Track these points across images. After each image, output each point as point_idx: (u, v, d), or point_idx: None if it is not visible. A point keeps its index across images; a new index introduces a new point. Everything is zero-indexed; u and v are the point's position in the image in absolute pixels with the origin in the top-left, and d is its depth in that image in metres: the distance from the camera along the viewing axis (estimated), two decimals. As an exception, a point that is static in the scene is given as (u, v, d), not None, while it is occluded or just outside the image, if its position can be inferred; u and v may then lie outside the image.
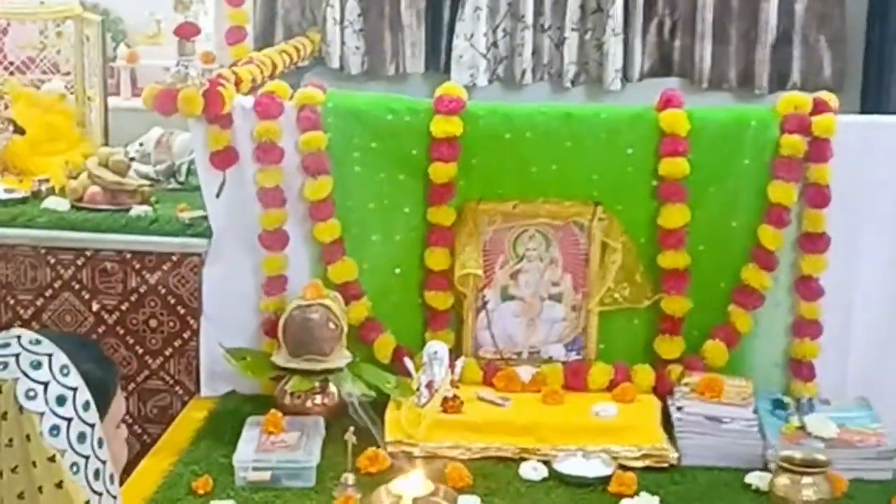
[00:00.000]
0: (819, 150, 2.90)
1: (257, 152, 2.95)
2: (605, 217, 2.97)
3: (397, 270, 3.05)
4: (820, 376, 2.99)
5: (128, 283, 3.09)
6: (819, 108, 2.91)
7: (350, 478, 2.50)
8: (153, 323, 3.10)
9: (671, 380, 2.95)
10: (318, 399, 2.84)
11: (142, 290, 3.09)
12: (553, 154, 2.97)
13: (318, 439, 2.67)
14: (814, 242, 2.94)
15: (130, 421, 3.16)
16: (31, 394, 1.49)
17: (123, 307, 3.10)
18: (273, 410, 2.74)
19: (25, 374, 1.50)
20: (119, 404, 1.66)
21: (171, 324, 3.10)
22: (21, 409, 1.48)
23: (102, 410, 1.58)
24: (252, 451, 2.60)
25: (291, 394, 2.84)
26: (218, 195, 2.99)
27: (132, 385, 3.15)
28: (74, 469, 1.50)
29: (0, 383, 1.49)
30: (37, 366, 1.51)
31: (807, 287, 2.96)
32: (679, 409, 2.80)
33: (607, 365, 2.99)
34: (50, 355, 1.53)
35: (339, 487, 2.50)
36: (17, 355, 1.52)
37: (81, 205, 3.22)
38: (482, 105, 3.03)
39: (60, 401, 1.51)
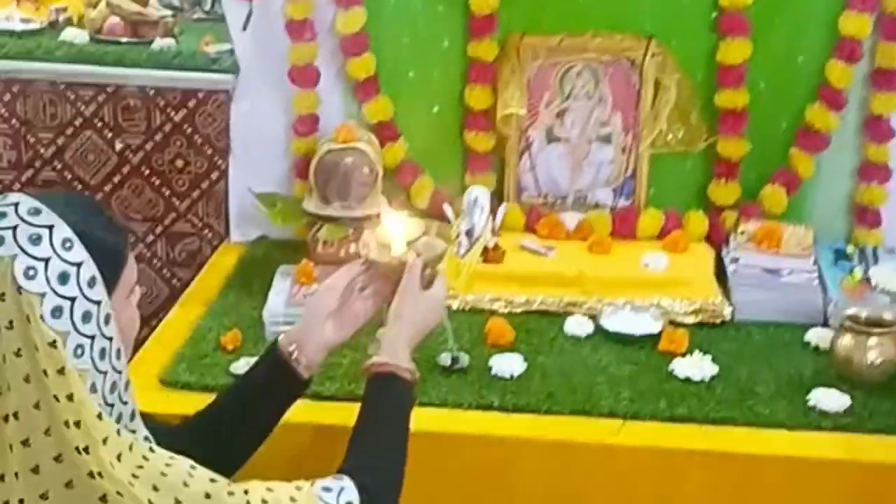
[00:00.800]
0: None
1: None
2: (659, 52, 2.78)
3: (435, 109, 2.89)
4: (886, 223, 2.83)
5: (152, 120, 2.95)
6: (898, -71, 2.67)
7: (385, 333, 2.37)
8: (179, 163, 2.97)
9: (726, 227, 2.80)
10: (352, 248, 2.71)
11: (166, 129, 2.95)
12: None
13: (352, 291, 2.53)
14: (888, 79, 2.74)
15: (159, 265, 3.07)
16: (31, 272, 1.38)
17: (148, 146, 2.97)
18: (305, 260, 2.61)
19: (24, 251, 1.39)
20: (131, 271, 1.55)
21: (199, 164, 2.98)
22: (20, 289, 1.37)
23: (112, 281, 1.48)
24: (282, 304, 2.48)
25: (324, 242, 2.71)
26: (244, 28, 2.82)
27: (159, 228, 3.04)
28: (79, 351, 1.41)
29: None
30: (36, 240, 1.40)
31: (877, 127, 2.78)
32: (734, 260, 2.65)
33: (658, 211, 2.84)
34: (51, 227, 1.41)
35: (373, 343, 2.36)
36: (14, 228, 1.40)
37: (101, 37, 3.06)
38: (528, -72, 2.80)
39: (63, 279, 1.40)
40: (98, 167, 2.98)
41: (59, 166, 2.99)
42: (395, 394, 1.82)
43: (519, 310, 2.57)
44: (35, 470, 1.38)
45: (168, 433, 1.65)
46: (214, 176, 2.98)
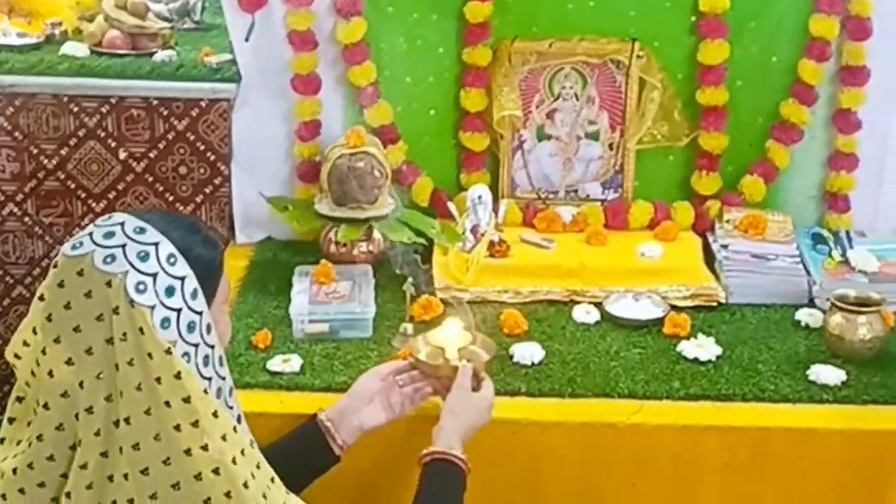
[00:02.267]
0: None
1: None
2: (643, 54, 2.95)
3: (432, 112, 3.02)
4: (854, 208, 3.03)
5: (155, 130, 3.01)
6: (862, -63, 2.86)
7: (409, 328, 2.51)
8: (183, 170, 3.04)
9: (709, 216, 2.98)
10: (364, 247, 2.84)
11: (170, 137, 3.01)
12: None
13: (370, 289, 2.66)
14: (854, 75, 2.94)
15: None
16: (141, 287, 1.49)
17: (151, 155, 3.03)
18: (323, 261, 2.72)
19: (133, 267, 1.50)
20: (225, 284, 1.67)
21: (202, 170, 3.04)
22: (132, 302, 1.48)
23: (210, 292, 1.59)
24: (306, 303, 2.59)
25: (337, 243, 2.82)
26: (247, 39, 2.92)
27: (164, 233, 3.11)
28: (186, 358, 1.51)
29: (110, 277, 1.49)
30: (144, 257, 1.51)
31: (845, 120, 2.97)
32: (724, 247, 2.83)
33: (647, 203, 3.01)
34: (157, 244, 1.52)
35: (398, 337, 2.51)
36: (123, 246, 1.51)
37: (101, 50, 3.11)
38: (519, -59, 2.94)
39: (169, 292, 1.51)
40: (102, 176, 3.03)
41: (62, 176, 3.04)
42: (450, 478, 1.95)
43: (527, 300, 2.71)
44: (144, 472, 1.48)
45: None
46: (217, 181, 3.04)
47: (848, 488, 2.29)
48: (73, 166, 3.05)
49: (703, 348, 2.49)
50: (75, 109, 3.01)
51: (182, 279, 1.52)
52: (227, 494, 1.49)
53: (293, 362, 2.42)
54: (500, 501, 2.29)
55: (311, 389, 2.35)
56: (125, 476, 1.49)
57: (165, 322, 1.50)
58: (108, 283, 1.49)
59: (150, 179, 3.06)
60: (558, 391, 2.36)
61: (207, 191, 3.06)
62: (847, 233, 2.95)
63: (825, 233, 2.95)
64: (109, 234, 1.52)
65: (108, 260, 1.50)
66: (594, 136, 3.02)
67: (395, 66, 2.97)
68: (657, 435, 2.29)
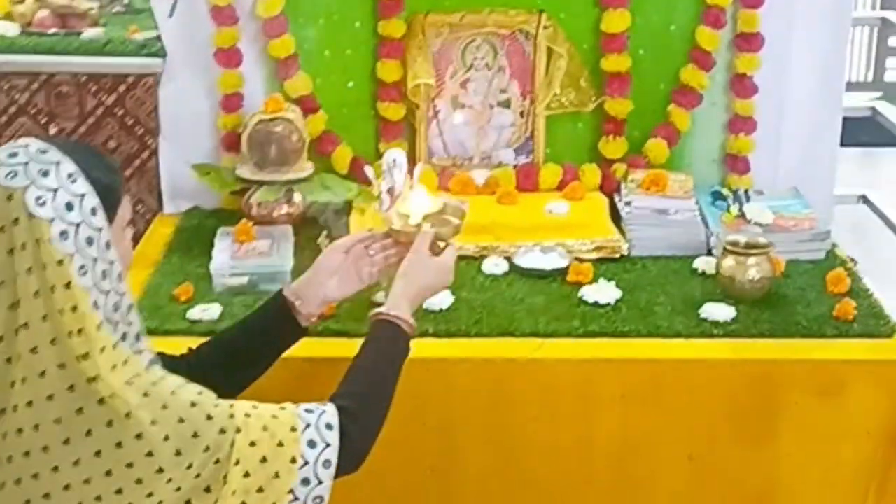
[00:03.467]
0: None
1: None
2: (550, 24, 3.07)
3: (350, 84, 3.13)
4: (754, 170, 3.17)
5: (84, 105, 3.13)
6: None
7: (381, 296, 2.59)
8: (111, 144, 3.15)
9: (616, 178, 3.11)
10: (284, 209, 2.95)
11: (98, 113, 3.13)
12: None
13: (289, 246, 2.77)
14: (748, 42, 3.07)
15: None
16: (41, 201, 1.56)
17: (81, 130, 3.14)
18: (243, 220, 2.84)
19: (34, 182, 1.57)
20: (125, 208, 1.74)
21: (130, 145, 3.16)
22: (31, 215, 1.56)
23: (110, 215, 1.66)
24: (228, 259, 2.70)
25: (258, 204, 2.93)
26: (171, 15, 3.00)
27: (94, 205, 3.21)
28: (83, 271, 1.58)
29: (11, 191, 1.56)
30: (45, 174, 1.58)
31: (742, 85, 3.11)
32: (627, 203, 2.96)
33: (556, 166, 3.14)
34: (57, 163, 1.60)
35: (371, 307, 2.60)
36: (25, 164, 1.58)
37: (31, 30, 3.22)
38: (428, -82, 3.07)
39: (69, 207, 1.58)
40: (33, 151, 3.13)
41: (-7, 152, 3.14)
42: (392, 340, 2.02)
43: (439, 255, 2.83)
44: (42, 374, 1.56)
45: (168, 364, 1.80)
46: (145, 155, 3.16)
47: (737, 415, 2.43)
48: (5, 142, 3.10)
49: (603, 292, 2.61)
50: (6, 87, 3.13)
51: (82, 196, 1.60)
52: (112, 396, 1.57)
53: (212, 311, 2.53)
54: (412, 435, 2.39)
55: (229, 334, 2.46)
56: (23, 380, 1.57)
57: (64, 234, 1.57)
58: (10, 197, 1.56)
59: (80, 154, 3.14)
60: (464, 332, 2.49)
61: (136, 164, 3.18)
62: (746, 191, 3.09)
63: (725, 191, 3.09)
64: (13, 154, 1.60)
65: (10, 175, 1.57)
66: (506, 104, 3.15)
67: (313, 40, 3.08)
68: (557, 369, 2.42)
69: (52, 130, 3.14)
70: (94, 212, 1.61)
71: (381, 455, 2.34)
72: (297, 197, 2.96)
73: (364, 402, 1.89)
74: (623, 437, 2.44)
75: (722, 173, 3.20)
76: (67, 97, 3.12)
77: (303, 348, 2.21)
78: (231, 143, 3.09)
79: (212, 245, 2.80)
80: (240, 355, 2.10)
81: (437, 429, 2.43)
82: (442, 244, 2.21)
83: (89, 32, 3.19)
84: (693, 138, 3.18)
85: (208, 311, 2.53)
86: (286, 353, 2.17)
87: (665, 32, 3.11)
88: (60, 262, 1.56)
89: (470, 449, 2.45)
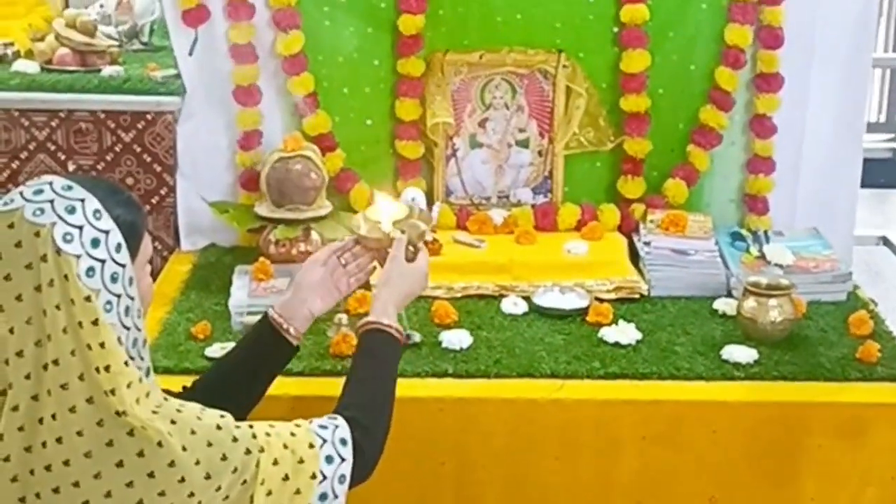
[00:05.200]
0: None
1: (228, 9, 3.02)
2: (569, 64, 3.08)
3: (368, 122, 3.14)
4: (773, 210, 3.16)
5: (103, 142, 3.11)
6: (772, -49, 3.02)
7: (343, 318, 2.60)
8: (129, 181, 3.13)
9: (635, 218, 3.11)
10: (302, 247, 2.94)
11: (117, 150, 3.12)
12: (517, 4, 3.08)
13: (307, 284, 2.76)
14: (768, 82, 3.08)
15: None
16: (68, 237, 1.57)
17: (99, 167, 3.13)
18: (261, 258, 2.83)
19: (61, 219, 1.57)
20: (147, 246, 1.74)
21: (148, 181, 3.14)
22: (59, 251, 1.56)
23: (133, 252, 1.66)
24: (245, 297, 2.70)
25: (276, 242, 2.93)
26: (191, 53, 3.04)
27: (111, 242, 3.20)
28: (108, 307, 1.59)
29: (38, 228, 1.57)
30: (71, 210, 1.59)
31: (761, 125, 3.12)
32: (647, 244, 2.95)
33: (574, 206, 3.13)
34: (83, 200, 1.60)
35: (332, 327, 2.61)
36: (51, 201, 1.59)
37: (51, 67, 3.22)
38: (448, -43, 3.08)
39: (95, 243, 1.59)
40: (51, 188, 3.13)
41: (12, 188, 3.13)
42: (385, 346, 2.04)
43: (458, 294, 2.82)
44: (72, 410, 1.56)
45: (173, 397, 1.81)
46: (163, 192, 3.14)
47: (759, 458, 2.40)
48: (24, 179, 3.13)
49: (623, 333, 2.60)
50: (26, 124, 3.11)
51: (107, 233, 1.60)
52: (143, 427, 1.58)
53: (230, 349, 2.50)
54: (429, 475, 2.39)
55: (247, 373, 2.45)
56: (53, 416, 1.57)
57: (90, 271, 1.57)
58: (37, 234, 1.57)
59: (98, 191, 3.14)
60: (484, 372, 2.48)
61: (154, 201, 3.16)
62: (765, 232, 3.08)
63: (744, 232, 3.08)
64: (38, 191, 1.61)
65: (38, 213, 1.58)
66: (524, 144, 3.16)
67: (332, 78, 3.10)
68: (577, 410, 2.40)
69: (71, 167, 3.13)
70: (118, 248, 1.61)
71: (400, 494, 2.36)
72: (315, 235, 2.95)
73: (371, 412, 1.92)
74: (643, 480, 2.42)
75: (741, 213, 3.19)
76: (86, 134, 3.11)
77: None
78: (249, 180, 3.09)
79: (229, 283, 2.81)
80: (237, 383, 2.10)
81: (455, 470, 2.42)
82: (412, 249, 2.21)
83: (109, 70, 3.18)
84: (712, 178, 3.18)
85: (227, 349, 2.50)
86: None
87: (684, 72, 3.12)
88: (88, 299, 1.57)
89: (489, 491, 2.43)
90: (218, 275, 2.92)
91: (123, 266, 1.62)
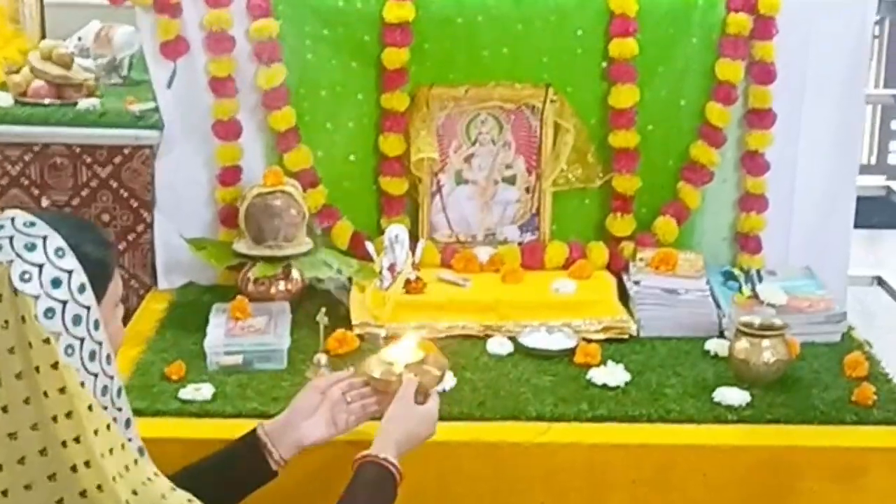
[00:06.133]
0: (764, 27, 2.99)
1: (208, 41, 2.95)
2: (557, 99, 3.02)
3: (352, 157, 3.07)
4: (765, 248, 3.10)
5: (78, 177, 3.03)
6: (763, -15, 2.97)
7: (323, 358, 2.52)
8: (105, 217, 3.05)
9: (624, 256, 3.04)
10: (282, 285, 2.86)
11: (93, 185, 3.04)
12: (504, 38, 3.01)
13: (286, 323, 2.69)
14: (760, 118, 3.03)
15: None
16: (26, 276, 1.50)
17: (75, 202, 3.04)
18: (239, 297, 2.75)
19: (20, 257, 1.50)
20: (116, 285, 1.67)
21: (125, 217, 3.06)
22: (16, 291, 1.48)
23: (100, 292, 1.59)
24: (222, 336, 2.62)
25: (255, 280, 2.86)
26: (169, 86, 2.98)
27: (87, 280, 3.13)
28: (69, 351, 1.51)
29: None
30: (31, 248, 1.51)
31: (753, 162, 3.06)
32: (636, 283, 2.88)
33: (562, 244, 3.06)
34: (44, 237, 1.53)
35: (311, 368, 2.53)
36: (10, 238, 1.52)
37: (26, 100, 3.15)
38: (433, -11, 3.03)
39: (55, 283, 1.51)
40: (25, 224, 3.05)
41: (-15, 224, 3.06)
42: (382, 483, 1.94)
43: (442, 335, 2.73)
44: (21, 461, 1.48)
45: None
46: (140, 228, 3.06)
47: (751, 502, 2.32)
48: (-3, 215, 3.06)
49: (612, 375, 2.53)
50: (-1, 157, 3.05)
51: (69, 272, 1.53)
52: (99, 488, 1.49)
53: (204, 391, 2.43)
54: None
55: (222, 416, 2.37)
56: (0, 467, 1.49)
57: (49, 312, 1.50)
58: None
59: (74, 227, 3.06)
60: (468, 414, 2.39)
61: (130, 238, 3.08)
62: (758, 271, 3.01)
63: (736, 271, 3.01)
64: None
65: None
66: (511, 181, 3.09)
67: (314, 112, 3.03)
68: (565, 454, 2.32)
69: (45, 203, 3.04)
70: (81, 289, 1.54)
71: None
72: (295, 273, 2.88)
73: None
74: (634, 526, 2.33)
75: (732, 252, 3.13)
76: (61, 169, 3.03)
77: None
78: (229, 216, 3.02)
79: (206, 322, 2.72)
80: (205, 490, 1.91)
81: (438, 516, 2.32)
82: (422, 394, 2.14)
83: (85, 103, 3.11)
84: (703, 216, 3.12)
85: (201, 391, 2.43)
86: None
87: (674, 108, 3.06)
88: (47, 341, 1.49)
89: (473, 538, 2.34)
90: (195, 313, 2.83)
91: (87, 308, 1.54)
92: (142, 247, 3.09)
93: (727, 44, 2.99)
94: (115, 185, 3.05)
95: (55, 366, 1.49)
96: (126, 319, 2.85)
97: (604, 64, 3.02)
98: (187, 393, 2.43)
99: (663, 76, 3.04)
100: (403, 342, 2.24)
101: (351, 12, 2.98)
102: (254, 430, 2.06)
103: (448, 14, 2.99)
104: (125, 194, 3.06)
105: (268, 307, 2.76)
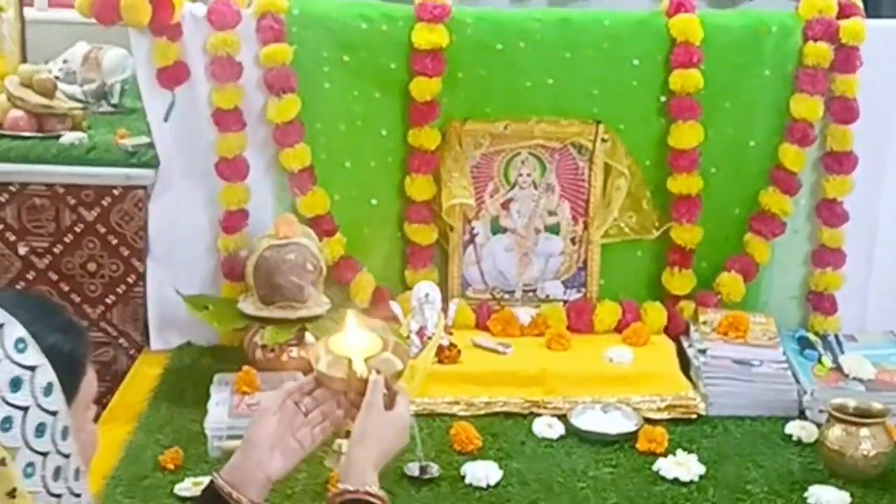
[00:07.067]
0: (847, 59, 2.73)
1: (212, 68, 2.72)
2: (608, 137, 2.77)
3: (373, 201, 2.83)
4: (841, 309, 2.81)
5: (61, 221, 2.77)
6: (846, 11, 2.74)
7: (344, 444, 2.17)
8: (91, 267, 2.79)
9: (683, 318, 2.76)
10: (294, 352, 2.56)
11: (78, 230, 2.78)
12: (549, 67, 2.78)
13: (299, 399, 2.36)
14: (840, 162, 2.76)
15: (69, 378, 2.85)
16: None
17: (56, 249, 2.78)
18: (246, 367, 2.45)
19: None
20: (90, 384, 1.40)
21: (113, 267, 2.80)
22: None
23: (71, 391, 1.33)
24: (225, 416, 2.32)
25: (264, 347, 2.55)
26: (166, 119, 2.74)
27: (69, 338, 2.82)
28: (29, 470, 1.26)
29: None
30: None
31: (830, 211, 2.79)
32: (702, 352, 2.57)
33: (614, 303, 2.78)
34: (1, 325, 1.26)
35: (330, 455, 2.20)
36: None
37: (2, 132, 2.89)
38: (469, 11, 2.79)
39: (14, 385, 1.26)
40: (-1, 274, 2.77)
41: (-48, 274, 2.76)
42: None
43: (481, 412, 2.46)
44: None
45: None
46: (131, 280, 2.81)
47: None
48: (-34, 266, 2.78)
49: (683, 467, 2.23)
50: (-29, 198, 2.75)
51: (33, 369, 1.27)
52: None
53: (205, 485, 2.08)
54: None
55: (228, 519, 2.04)
56: None
57: (7, 422, 1.24)
58: None
59: (55, 278, 2.80)
60: (518, 518, 2.08)
61: (120, 290, 2.83)
62: (836, 336, 2.73)
63: (812, 336, 2.72)
64: None
65: None
66: (554, 229, 2.83)
67: (332, 149, 2.79)
68: (636, 570, 2.00)
69: (22, 250, 2.76)
70: (48, 390, 1.28)
71: None
72: (310, 338, 2.57)
73: None
74: None
75: (802, 313, 2.87)
76: (42, 211, 2.75)
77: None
78: (233, 268, 2.77)
79: (207, 393, 2.45)
80: None
81: None
82: (386, 392, 1.74)
83: (69, 136, 2.83)
84: (770, 272, 2.84)
85: (201, 486, 2.07)
86: None
87: (742, 149, 2.80)
88: (3, 462, 1.21)
89: None
90: (194, 382, 2.55)
91: (54, 414, 1.28)
92: (132, 301, 2.84)
93: (804, 76, 2.73)
94: (102, 230, 2.81)
95: (12, 494, 1.22)
96: (114, 386, 2.64)
97: (662, 98, 2.78)
98: (185, 489, 2.14)
99: (730, 112, 2.79)
100: (348, 326, 1.80)
101: (375, 35, 2.75)
102: (210, 484, 1.72)
103: (485, 39, 2.75)
104: (114, 241, 2.81)
105: (279, 378, 2.43)
